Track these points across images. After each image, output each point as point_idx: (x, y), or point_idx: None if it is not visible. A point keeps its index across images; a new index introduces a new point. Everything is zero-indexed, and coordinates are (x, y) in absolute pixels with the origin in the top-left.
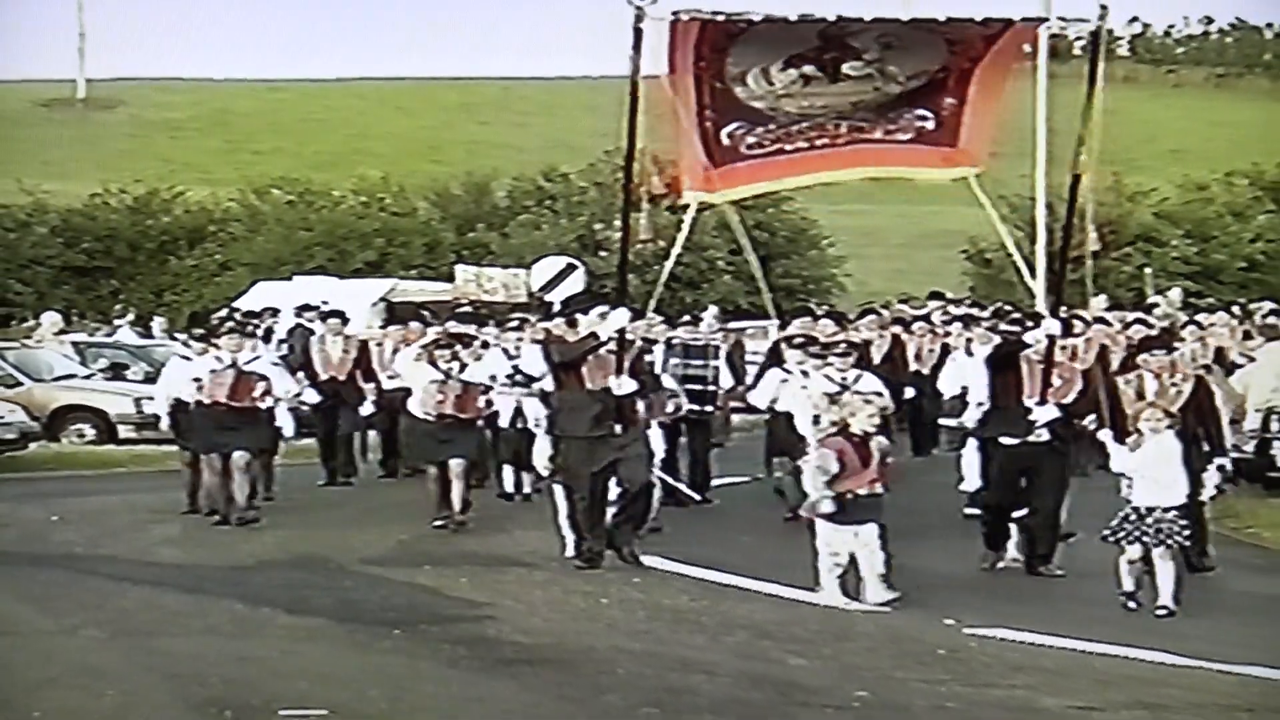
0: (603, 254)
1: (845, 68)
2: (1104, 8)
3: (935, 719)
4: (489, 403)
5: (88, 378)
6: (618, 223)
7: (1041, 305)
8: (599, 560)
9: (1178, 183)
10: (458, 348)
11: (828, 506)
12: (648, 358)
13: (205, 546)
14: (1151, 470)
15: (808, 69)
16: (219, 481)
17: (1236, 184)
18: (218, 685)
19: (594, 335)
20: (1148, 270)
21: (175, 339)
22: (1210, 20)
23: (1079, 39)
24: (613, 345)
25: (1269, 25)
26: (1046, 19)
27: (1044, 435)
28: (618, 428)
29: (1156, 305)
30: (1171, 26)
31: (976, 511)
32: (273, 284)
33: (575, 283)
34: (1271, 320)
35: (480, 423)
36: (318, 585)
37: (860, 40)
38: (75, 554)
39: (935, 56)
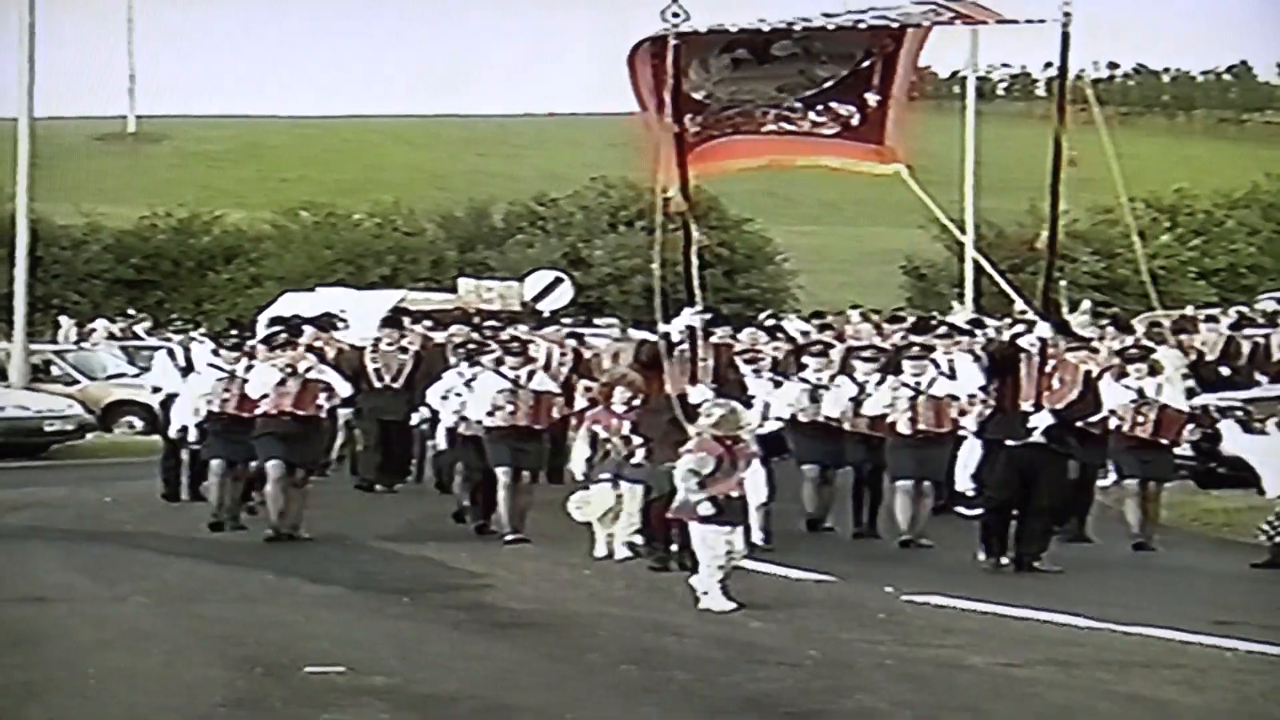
0: (589, 269)
1: (774, 49)
2: (1064, 52)
3: (876, 675)
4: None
5: (136, 376)
6: (599, 241)
7: (969, 313)
8: (669, 560)
9: (1087, 206)
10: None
11: (706, 509)
12: (745, 368)
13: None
14: None
15: (740, 52)
16: (274, 492)
17: (1138, 208)
18: (250, 646)
19: (666, 336)
20: (1062, 283)
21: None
22: (1115, 65)
23: (1002, 81)
24: (686, 350)
25: (1165, 70)
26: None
27: (1041, 438)
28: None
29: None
30: (1083, 70)
31: (968, 512)
32: (298, 295)
33: (563, 294)
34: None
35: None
36: (337, 559)
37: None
38: (126, 531)
39: (856, 38)
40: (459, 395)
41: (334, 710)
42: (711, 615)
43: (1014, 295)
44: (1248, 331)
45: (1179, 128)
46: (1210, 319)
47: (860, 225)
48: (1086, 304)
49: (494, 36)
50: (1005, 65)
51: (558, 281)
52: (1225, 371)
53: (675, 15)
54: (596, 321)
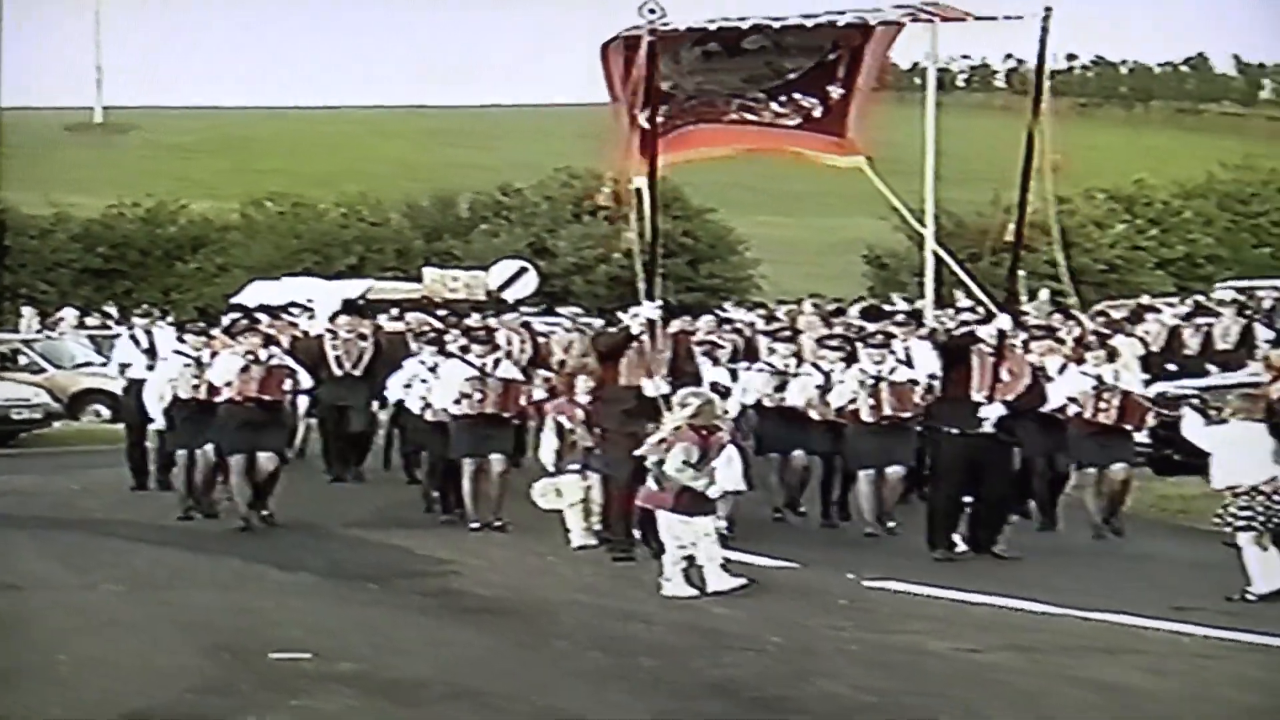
0: (554, 258)
1: (745, 42)
2: (1042, 48)
3: (838, 660)
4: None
5: (104, 365)
6: (564, 231)
7: (930, 302)
8: (631, 551)
9: (1046, 196)
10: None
11: (671, 493)
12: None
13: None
14: None
15: (711, 45)
16: (239, 482)
17: (1096, 198)
18: (220, 632)
19: (626, 328)
20: (1021, 272)
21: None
22: (1074, 57)
23: (962, 73)
24: (643, 341)
25: (1123, 61)
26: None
27: (990, 428)
28: (649, 425)
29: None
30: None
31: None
32: (265, 284)
33: (528, 283)
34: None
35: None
36: (306, 546)
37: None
38: (95, 519)
39: (827, 33)
40: (424, 382)
41: (302, 696)
42: (677, 602)
43: (972, 286)
44: (1198, 320)
45: (1137, 119)
46: (1152, 308)
47: (824, 216)
48: (1044, 293)
49: (468, 29)
50: (965, 57)
51: (522, 271)
52: (1171, 367)
53: (652, 11)
54: (559, 310)
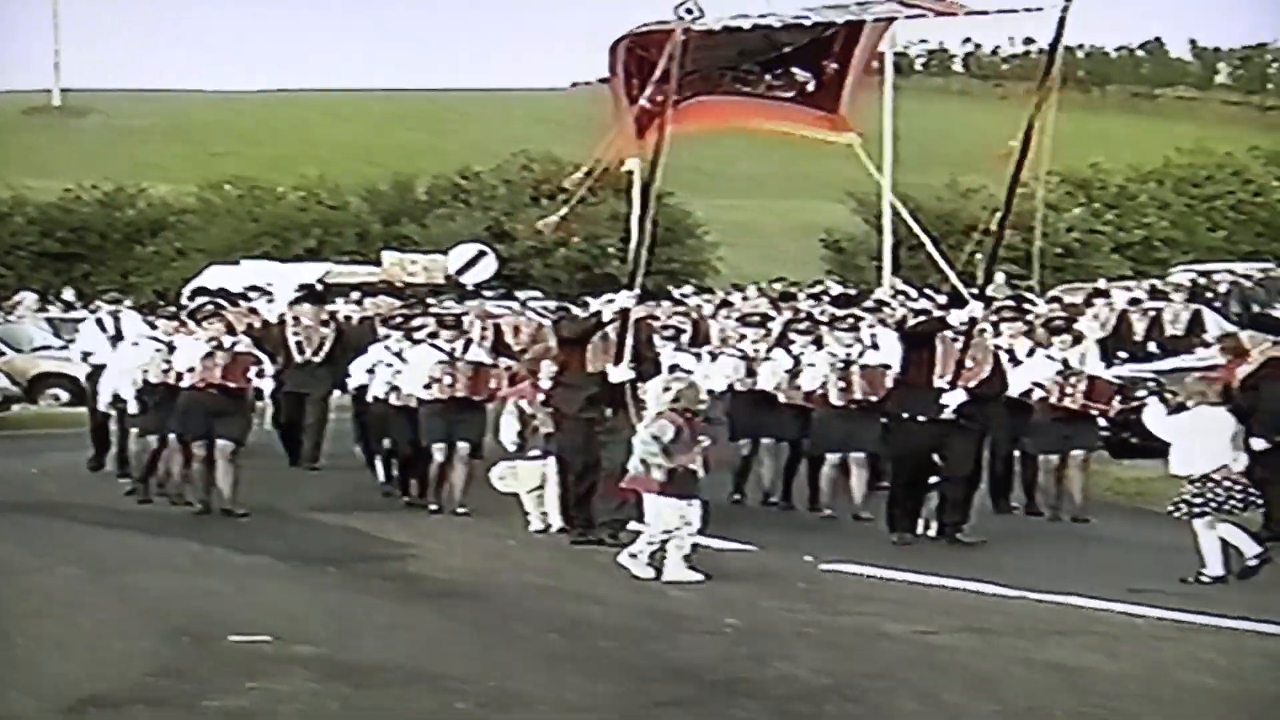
0: (513, 242)
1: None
2: (1058, 36)
3: (795, 643)
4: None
5: (62, 348)
6: (522, 215)
7: (888, 285)
8: (589, 533)
9: (1003, 181)
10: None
11: (659, 475)
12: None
13: (166, 496)
14: None
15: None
16: (201, 469)
17: (1052, 182)
18: (178, 615)
19: (598, 315)
20: (978, 256)
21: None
22: (1031, 41)
23: (919, 57)
24: (615, 329)
25: (1080, 45)
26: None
27: (952, 414)
28: (608, 411)
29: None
30: (998, 46)
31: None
32: (223, 268)
33: (486, 267)
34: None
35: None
36: (265, 529)
37: None
38: (54, 502)
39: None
40: (390, 366)
41: (261, 679)
42: (634, 584)
43: (950, 275)
44: (1145, 305)
45: (1094, 103)
46: (1102, 293)
47: (782, 199)
48: (1000, 277)
49: (423, 13)
50: (923, 41)
51: (481, 255)
52: (1122, 354)
53: (689, 11)
54: (518, 294)
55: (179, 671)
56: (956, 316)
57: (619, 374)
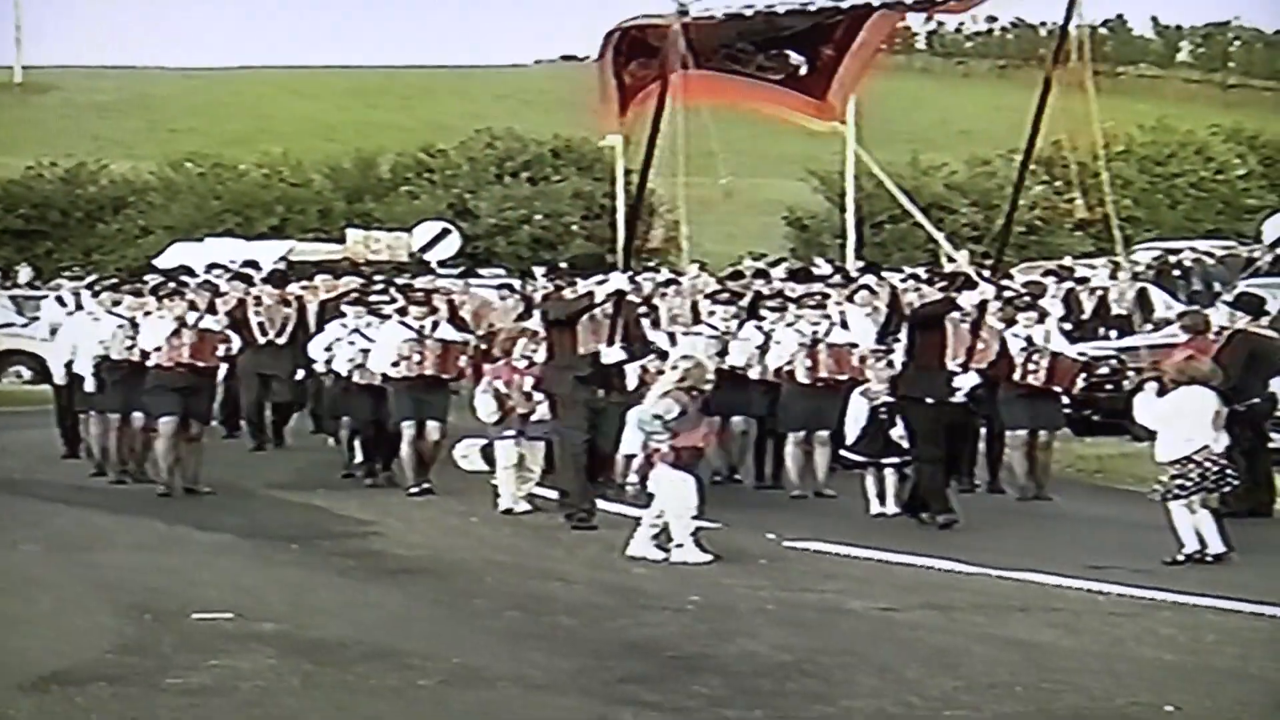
0: (476, 220)
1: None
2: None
3: (757, 620)
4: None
5: (25, 326)
6: (485, 193)
7: (851, 264)
8: (591, 518)
9: (965, 159)
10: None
11: (665, 452)
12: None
13: (130, 475)
14: None
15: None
16: (166, 448)
17: (1015, 160)
18: (140, 593)
19: (589, 296)
20: (940, 234)
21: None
22: (994, 19)
23: None
24: (608, 310)
25: (1042, 23)
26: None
27: (964, 398)
28: (600, 392)
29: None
30: (961, 24)
31: (854, 458)
32: (187, 245)
33: (450, 245)
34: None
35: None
36: (227, 507)
37: None
38: (15, 480)
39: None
40: (353, 344)
41: (222, 656)
42: (597, 562)
43: (958, 256)
44: (1093, 284)
45: (1055, 80)
46: (1050, 272)
47: (742, 176)
48: (963, 255)
49: None
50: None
51: (445, 233)
52: (1067, 326)
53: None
54: (480, 272)
55: (140, 648)
56: (967, 298)
57: (612, 354)
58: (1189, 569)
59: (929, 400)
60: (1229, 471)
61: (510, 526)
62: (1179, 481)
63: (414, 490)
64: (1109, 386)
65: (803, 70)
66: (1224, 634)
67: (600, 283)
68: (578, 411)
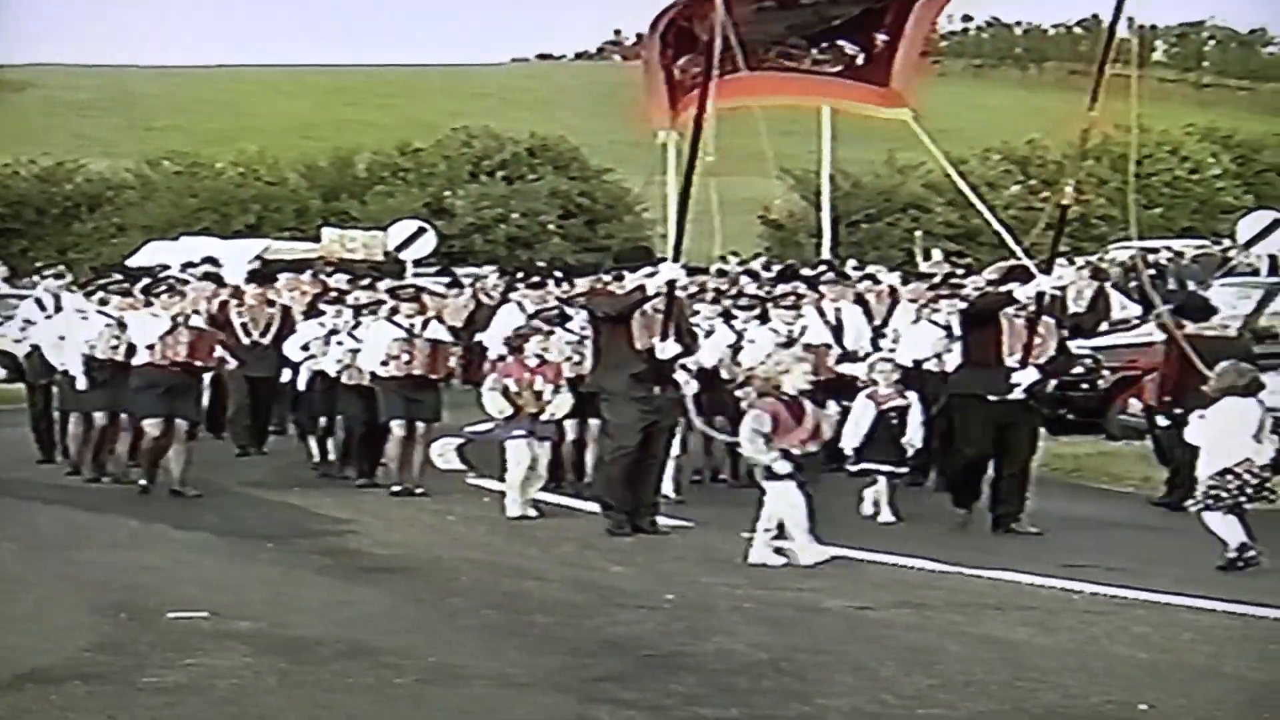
0: (452, 218)
1: None
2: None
3: (733, 618)
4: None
5: None
6: (461, 191)
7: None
8: (626, 525)
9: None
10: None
11: (784, 467)
12: (695, 319)
13: (110, 475)
14: None
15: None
16: (152, 448)
17: (991, 159)
18: (117, 591)
19: (641, 290)
20: (917, 233)
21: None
22: (969, 18)
23: None
24: (660, 303)
25: (1018, 23)
26: None
27: (1022, 394)
28: (656, 389)
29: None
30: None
31: (870, 467)
32: (162, 244)
33: (426, 243)
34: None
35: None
36: (203, 505)
37: None
38: None
39: None
40: (340, 344)
41: (199, 654)
42: (573, 560)
43: (1009, 239)
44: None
45: (1031, 80)
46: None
47: (717, 175)
48: (937, 253)
49: None
50: None
51: (421, 231)
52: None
53: None
54: (456, 270)
55: (117, 647)
56: (1022, 291)
57: (668, 349)
58: (1160, 567)
59: (989, 398)
60: (1266, 484)
61: (485, 525)
62: (1215, 493)
63: (397, 490)
64: (1084, 386)
65: (859, 60)
66: (1198, 632)
67: (650, 275)
68: (631, 411)
